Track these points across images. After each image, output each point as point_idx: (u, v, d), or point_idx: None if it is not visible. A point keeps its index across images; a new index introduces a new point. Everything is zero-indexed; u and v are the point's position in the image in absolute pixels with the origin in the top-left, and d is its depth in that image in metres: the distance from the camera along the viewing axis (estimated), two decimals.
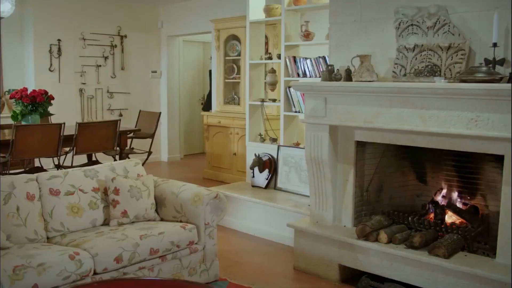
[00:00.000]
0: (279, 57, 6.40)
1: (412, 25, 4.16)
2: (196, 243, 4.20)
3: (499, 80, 3.57)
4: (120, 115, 9.87)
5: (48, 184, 4.06)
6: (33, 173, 5.89)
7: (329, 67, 4.60)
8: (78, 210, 4.11)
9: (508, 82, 3.55)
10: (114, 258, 3.63)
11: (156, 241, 3.89)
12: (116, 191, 4.23)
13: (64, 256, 3.42)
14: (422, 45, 4.11)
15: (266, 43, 7.66)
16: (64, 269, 3.36)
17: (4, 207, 3.73)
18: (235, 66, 8.59)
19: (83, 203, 4.16)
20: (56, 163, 6.59)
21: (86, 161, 7.20)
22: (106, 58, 9.77)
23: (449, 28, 3.97)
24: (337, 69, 4.52)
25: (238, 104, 8.43)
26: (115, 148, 6.76)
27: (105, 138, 6.57)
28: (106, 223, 4.24)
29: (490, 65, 3.66)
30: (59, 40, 9.09)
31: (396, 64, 4.23)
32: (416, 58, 4.13)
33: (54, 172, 4.21)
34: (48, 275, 3.28)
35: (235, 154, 8.12)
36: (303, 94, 5.05)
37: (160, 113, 8.02)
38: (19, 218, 3.79)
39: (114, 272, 3.66)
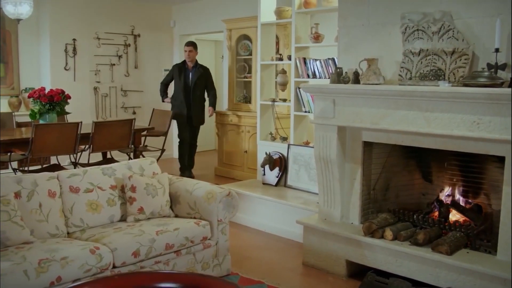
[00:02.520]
0: (289, 58, 6.55)
1: (417, 30, 4.30)
2: (209, 239, 4.37)
3: (500, 85, 3.70)
4: (134, 112, 10.08)
5: (68, 182, 4.25)
6: (51, 170, 6.11)
7: (338, 70, 4.74)
8: (97, 207, 4.30)
9: (509, 86, 3.68)
10: (132, 252, 3.82)
11: (172, 236, 4.07)
12: (133, 189, 4.41)
13: (85, 251, 3.61)
14: (427, 49, 4.25)
15: (277, 43, 7.79)
16: (85, 262, 3.55)
17: (27, 204, 3.92)
18: (246, 65, 8.71)
19: (101, 200, 4.34)
20: (73, 160, 6.78)
21: (101, 158, 7.39)
22: (120, 57, 9.97)
23: (453, 34, 4.10)
24: (346, 72, 4.67)
25: (249, 102, 8.57)
26: (129, 146, 6.95)
27: (120, 137, 6.75)
28: (123, 219, 4.42)
29: (492, 70, 3.80)
30: (74, 39, 9.29)
31: (402, 67, 4.38)
32: (421, 62, 4.27)
33: (74, 171, 4.40)
34: (70, 268, 3.47)
35: (246, 151, 8.28)
36: (313, 95, 5.20)
37: (172, 111, 8.21)
38: (42, 214, 3.98)
39: (132, 266, 3.85)
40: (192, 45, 8.42)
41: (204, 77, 8.39)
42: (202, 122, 8.62)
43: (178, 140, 8.77)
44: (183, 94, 8.36)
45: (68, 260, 3.48)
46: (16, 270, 3.25)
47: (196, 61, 8.45)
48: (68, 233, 4.13)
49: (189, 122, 8.39)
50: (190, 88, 8.33)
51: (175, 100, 8.48)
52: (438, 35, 4.19)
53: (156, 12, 10.43)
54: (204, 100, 8.58)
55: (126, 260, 3.80)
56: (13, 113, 7.99)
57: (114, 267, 3.75)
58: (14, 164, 6.88)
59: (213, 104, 8.53)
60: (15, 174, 6.29)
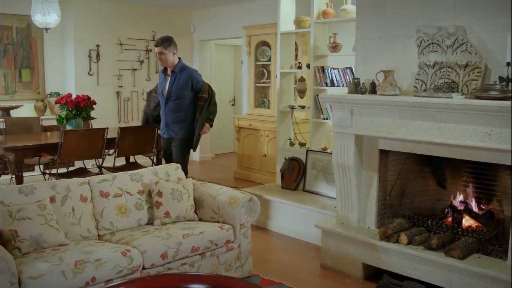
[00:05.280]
0: (308, 66, 6.74)
1: (432, 43, 4.47)
2: (232, 242, 4.58)
3: (511, 98, 3.87)
4: None
5: (98, 187, 4.49)
6: (78, 173, 6.37)
7: (356, 80, 4.93)
8: (125, 211, 4.53)
9: None
10: (160, 255, 4.04)
11: (197, 240, 4.29)
12: (160, 194, 4.64)
13: (117, 253, 3.83)
14: (442, 62, 4.41)
15: (296, 49, 7.97)
16: (117, 264, 3.78)
17: (61, 208, 4.17)
18: (265, 71, 8.89)
19: (129, 204, 4.58)
20: (98, 164, 7.02)
21: (124, 161, 7.63)
22: (141, 62, 10.22)
23: (466, 47, 4.26)
24: (363, 83, 4.85)
25: (268, 107, 8.76)
26: (153, 150, 7.17)
27: (144, 141, 6.98)
28: (150, 222, 4.65)
29: (504, 83, 3.95)
30: (97, 45, 9.57)
31: (417, 79, 4.55)
32: (435, 74, 4.44)
33: (104, 176, 4.64)
34: (104, 269, 3.70)
35: (265, 155, 8.48)
36: (331, 104, 5.39)
37: None
38: (74, 218, 4.22)
39: (160, 267, 4.07)
40: (162, 44, 5.98)
41: (187, 85, 6.07)
42: (187, 144, 6.20)
43: None
44: (163, 111, 6.24)
45: (102, 261, 3.71)
46: (55, 271, 3.49)
47: (180, 63, 6.13)
48: (98, 235, 4.37)
49: (176, 147, 6.24)
50: (165, 102, 6.17)
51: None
52: (452, 48, 4.36)
53: (176, 18, 10.66)
54: (191, 118, 6.17)
55: (154, 262, 4.02)
56: (40, 118, 8.27)
57: (143, 268, 3.97)
58: (40, 167, 7.14)
59: (206, 118, 6.17)
60: (44, 177, 6.59)
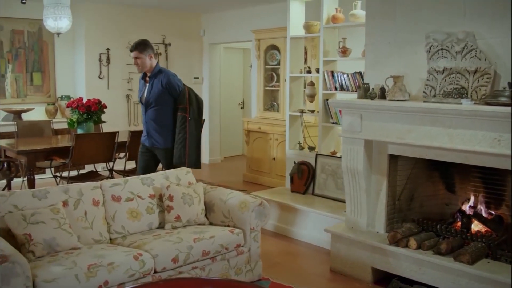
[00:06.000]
0: (317, 71, 6.77)
1: (442, 49, 4.50)
2: (242, 246, 4.61)
3: None
4: None
5: (110, 191, 4.54)
6: (89, 176, 6.44)
7: (365, 85, 4.96)
8: (137, 215, 4.58)
9: None
10: (172, 258, 4.08)
11: (208, 244, 4.32)
12: (171, 198, 4.68)
13: (129, 257, 3.87)
14: (451, 68, 4.44)
15: (305, 53, 8.00)
16: (129, 268, 3.81)
17: (74, 212, 4.23)
18: (274, 75, 8.94)
19: (141, 208, 4.62)
20: (109, 167, 7.08)
21: (134, 165, 7.67)
22: None
23: (476, 53, 4.29)
24: (372, 88, 4.88)
25: (277, 111, 8.80)
26: None
27: None
28: (161, 226, 4.69)
29: None
30: (108, 49, 9.64)
31: (426, 85, 4.57)
32: (445, 80, 4.47)
33: (115, 180, 4.69)
34: (116, 273, 3.74)
35: (274, 159, 8.51)
36: (341, 109, 5.42)
37: (203, 119, 8.46)
38: (87, 222, 4.28)
39: (171, 271, 4.10)
40: (137, 48, 5.68)
41: (165, 90, 5.68)
42: (172, 154, 5.75)
43: None
44: (143, 119, 5.92)
45: (114, 265, 3.75)
46: (68, 275, 3.53)
47: (157, 67, 5.79)
48: (110, 239, 4.41)
49: (162, 159, 5.89)
50: (145, 110, 5.86)
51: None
52: (462, 54, 4.38)
53: (186, 22, 10.72)
54: (173, 126, 5.77)
55: (166, 265, 4.06)
56: (51, 121, 8.33)
57: (155, 272, 4.00)
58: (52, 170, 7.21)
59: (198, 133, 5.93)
60: (56, 180, 6.66)
